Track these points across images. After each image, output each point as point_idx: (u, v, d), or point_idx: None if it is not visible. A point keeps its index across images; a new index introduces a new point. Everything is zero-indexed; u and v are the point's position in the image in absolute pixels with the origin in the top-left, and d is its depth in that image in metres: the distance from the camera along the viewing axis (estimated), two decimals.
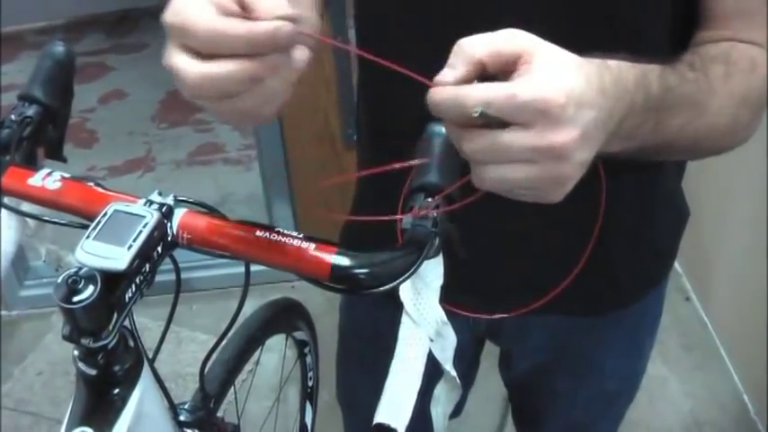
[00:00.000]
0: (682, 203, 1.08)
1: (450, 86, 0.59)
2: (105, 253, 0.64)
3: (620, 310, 1.06)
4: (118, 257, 0.64)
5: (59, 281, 0.62)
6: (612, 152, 0.69)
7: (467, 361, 1.23)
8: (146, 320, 2.28)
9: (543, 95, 0.57)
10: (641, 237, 1.02)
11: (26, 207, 0.79)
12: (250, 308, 1.30)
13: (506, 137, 0.58)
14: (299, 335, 1.48)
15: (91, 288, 0.62)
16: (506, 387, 1.27)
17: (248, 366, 1.31)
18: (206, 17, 0.59)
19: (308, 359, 1.55)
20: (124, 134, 3.88)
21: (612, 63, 0.66)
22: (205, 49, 0.60)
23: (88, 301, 0.62)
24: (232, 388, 1.22)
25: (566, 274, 0.87)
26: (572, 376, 1.15)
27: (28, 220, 0.81)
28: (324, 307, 1.88)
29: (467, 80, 0.60)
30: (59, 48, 0.87)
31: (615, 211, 0.85)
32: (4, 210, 0.79)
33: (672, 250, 1.09)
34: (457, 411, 1.21)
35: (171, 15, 0.61)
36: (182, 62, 0.61)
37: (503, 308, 0.97)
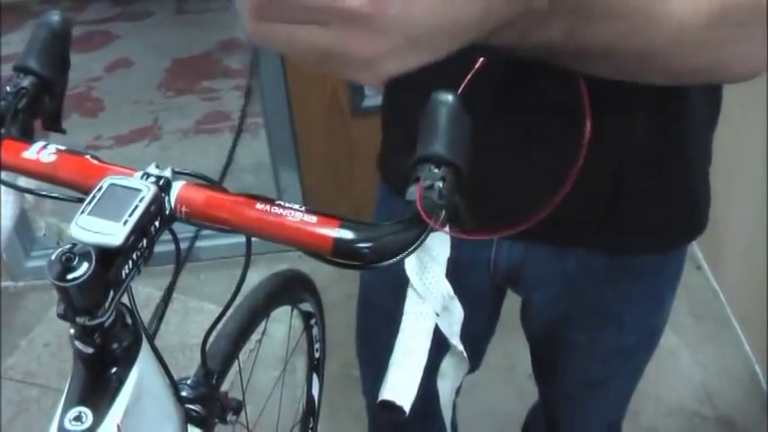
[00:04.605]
0: (705, 164, 1.04)
1: None
2: (100, 228, 0.62)
3: (618, 250, 1.03)
4: (113, 233, 0.62)
5: (53, 258, 0.61)
6: (501, 45, 0.62)
7: (486, 310, 1.23)
8: (151, 290, 2.29)
9: None
10: (650, 177, 0.98)
11: (23, 181, 0.77)
12: (257, 278, 1.28)
13: None
14: (305, 306, 1.47)
15: (85, 265, 0.60)
16: (528, 339, 1.26)
17: (255, 336, 1.30)
18: None
19: (315, 331, 1.53)
20: (130, 103, 3.87)
21: None
22: None
23: (82, 279, 0.60)
24: (236, 361, 1.20)
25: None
26: (590, 328, 1.14)
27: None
28: (332, 278, 1.87)
29: None
30: (55, 17, 0.84)
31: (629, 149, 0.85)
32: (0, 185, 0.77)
33: (689, 204, 1.05)
34: (474, 367, 1.19)
35: None
36: None
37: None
